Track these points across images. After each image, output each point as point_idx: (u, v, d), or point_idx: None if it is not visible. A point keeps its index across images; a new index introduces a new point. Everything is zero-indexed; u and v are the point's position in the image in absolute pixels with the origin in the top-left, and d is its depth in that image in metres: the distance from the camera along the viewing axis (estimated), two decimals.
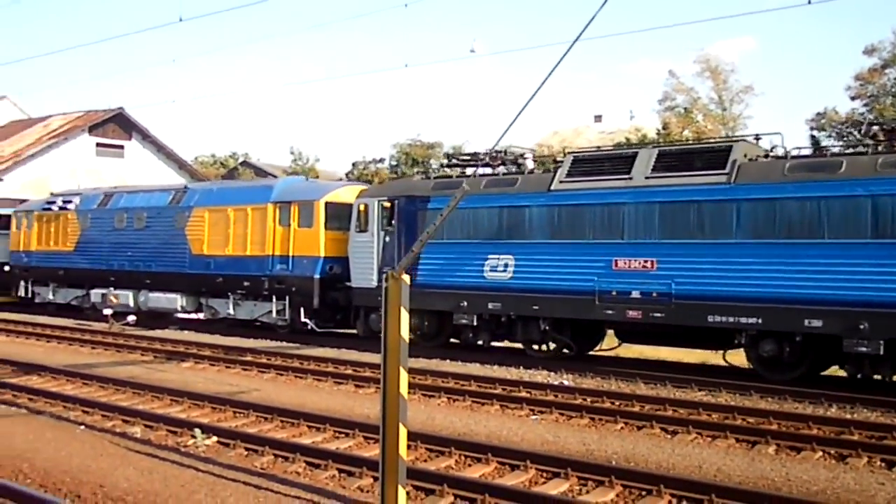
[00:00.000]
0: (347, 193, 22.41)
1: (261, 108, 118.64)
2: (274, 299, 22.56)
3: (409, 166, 53.29)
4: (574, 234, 17.30)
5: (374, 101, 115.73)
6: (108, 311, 25.78)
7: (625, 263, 16.52)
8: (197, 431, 10.72)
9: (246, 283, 23.16)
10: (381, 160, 52.87)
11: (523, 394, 14.25)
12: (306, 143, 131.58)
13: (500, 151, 19.97)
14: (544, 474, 9.15)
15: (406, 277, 7.27)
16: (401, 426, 7.14)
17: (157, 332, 23.58)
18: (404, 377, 7.18)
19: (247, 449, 10.17)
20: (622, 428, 11.81)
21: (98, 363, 17.64)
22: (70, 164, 42.85)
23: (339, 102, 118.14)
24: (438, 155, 54.03)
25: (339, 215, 21.95)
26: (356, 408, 13.01)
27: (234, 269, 23.41)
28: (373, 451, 9.65)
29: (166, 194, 26.48)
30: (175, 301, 25.04)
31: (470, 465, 9.64)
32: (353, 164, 52.71)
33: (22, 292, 30.84)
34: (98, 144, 45.27)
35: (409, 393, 7.35)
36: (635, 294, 16.34)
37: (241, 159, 65.36)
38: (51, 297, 29.81)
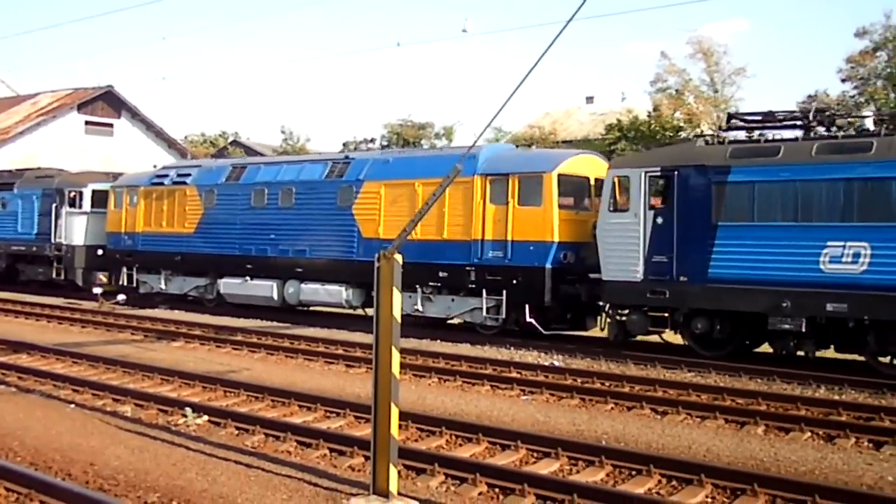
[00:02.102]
0: (583, 164, 19.00)
1: (251, 87, 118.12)
2: (484, 293, 18.58)
3: (399, 147, 53.14)
4: None
5: (365, 80, 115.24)
6: (97, 290, 25.66)
7: None
8: (188, 410, 10.72)
9: (442, 274, 19.18)
10: (372, 140, 52.51)
11: (514, 374, 14.28)
12: (297, 122, 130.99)
13: (822, 110, 17.00)
14: (535, 454, 9.18)
15: (398, 257, 7.24)
16: (392, 406, 7.16)
17: (147, 312, 23.51)
18: (396, 357, 7.19)
19: (237, 428, 10.16)
20: (612, 408, 11.87)
21: (88, 342, 17.59)
22: (59, 142, 42.60)
23: (330, 81, 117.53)
24: (430, 135, 53.94)
25: (572, 191, 18.53)
26: (347, 387, 13.02)
27: (424, 257, 19.08)
28: (364, 431, 9.67)
29: (321, 166, 22.24)
30: (338, 294, 21.02)
31: (461, 445, 9.67)
32: (344, 144, 52.42)
33: (124, 280, 26.33)
34: (87, 122, 45.01)
35: (400, 373, 7.36)
36: None
37: (230, 138, 65.12)
38: (162, 286, 25.38)
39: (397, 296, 7.20)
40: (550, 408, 11.87)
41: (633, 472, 8.46)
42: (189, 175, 25.13)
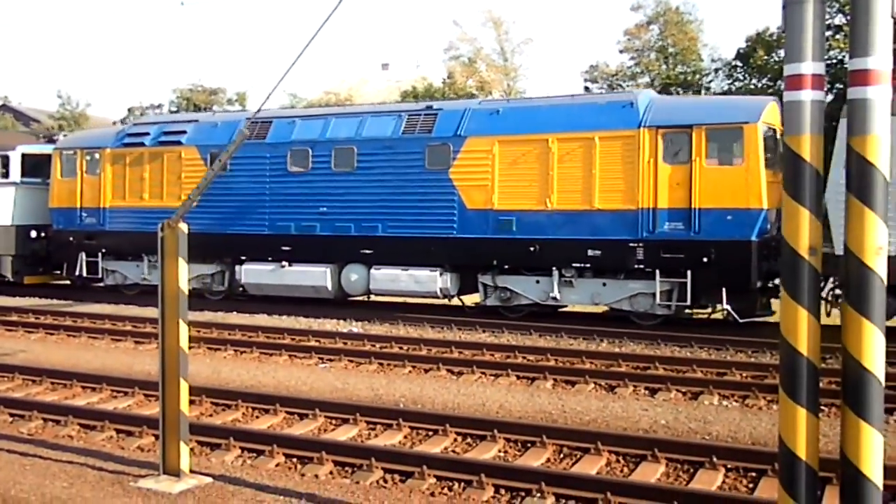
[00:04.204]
0: (774, 113, 15.75)
1: (22, 47, 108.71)
2: (657, 275, 15.39)
3: (192, 112, 51.07)
4: None
5: (149, 42, 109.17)
6: None
7: None
8: None
9: (592, 253, 15.69)
10: (160, 106, 50.34)
11: (312, 343, 14.16)
12: (76, 86, 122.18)
13: None
14: (333, 421, 9.16)
15: (183, 226, 6.92)
16: (182, 381, 6.88)
17: None
18: (184, 330, 6.90)
19: (12, 415, 9.43)
20: (410, 371, 12.05)
21: None
22: None
23: (111, 44, 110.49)
24: (221, 101, 52.14)
25: (771, 146, 15.38)
26: (136, 365, 12.39)
27: (564, 232, 15.88)
28: (154, 409, 9.24)
29: (392, 119, 17.85)
30: (430, 281, 17.04)
31: (258, 417, 9.49)
32: (129, 110, 49.91)
33: (81, 270, 20.88)
34: None
35: (193, 347, 7.11)
36: None
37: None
38: (144, 275, 20.17)
39: (183, 266, 6.89)
40: (349, 374, 11.89)
41: (430, 433, 8.63)
42: (183, 133, 19.87)
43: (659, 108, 15.79)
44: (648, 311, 15.64)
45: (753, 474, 7.29)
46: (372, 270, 17.60)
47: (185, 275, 6.92)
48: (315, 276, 18.11)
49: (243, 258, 19.03)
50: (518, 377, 11.47)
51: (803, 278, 4.32)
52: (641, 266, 15.41)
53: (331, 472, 7.53)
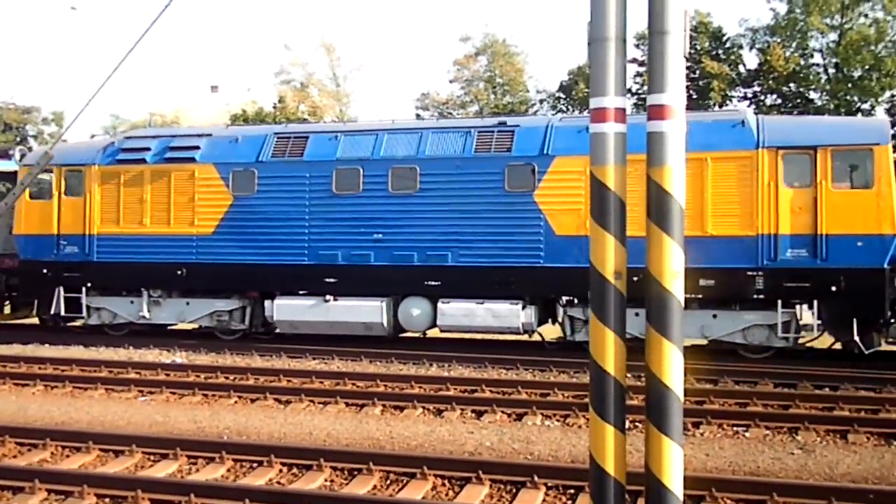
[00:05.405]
0: None
1: None
2: (779, 305, 14.27)
3: (1, 132, 47.87)
4: None
5: None
6: None
7: None
8: None
9: (704, 283, 14.11)
10: None
11: (132, 375, 13.52)
12: None
13: None
14: (152, 457, 8.74)
15: None
16: None
17: None
18: None
19: None
20: (236, 402, 11.71)
21: None
22: None
23: None
24: (36, 120, 49.30)
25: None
26: None
27: None
28: None
29: (460, 136, 16.05)
30: (512, 316, 15.25)
31: (68, 456, 8.92)
32: None
33: (59, 307, 17.46)
34: None
35: None
36: None
37: None
38: (143, 313, 17.25)
39: None
40: (170, 407, 11.41)
41: (255, 465, 8.41)
42: (196, 149, 17.24)
43: (774, 128, 14.87)
44: (764, 344, 14.67)
45: (572, 491, 7.53)
46: (440, 304, 15.65)
47: None
48: (367, 311, 16.00)
49: (273, 292, 16.69)
50: (347, 404, 11.39)
51: (609, 301, 4.53)
52: (761, 296, 14.40)
53: None
